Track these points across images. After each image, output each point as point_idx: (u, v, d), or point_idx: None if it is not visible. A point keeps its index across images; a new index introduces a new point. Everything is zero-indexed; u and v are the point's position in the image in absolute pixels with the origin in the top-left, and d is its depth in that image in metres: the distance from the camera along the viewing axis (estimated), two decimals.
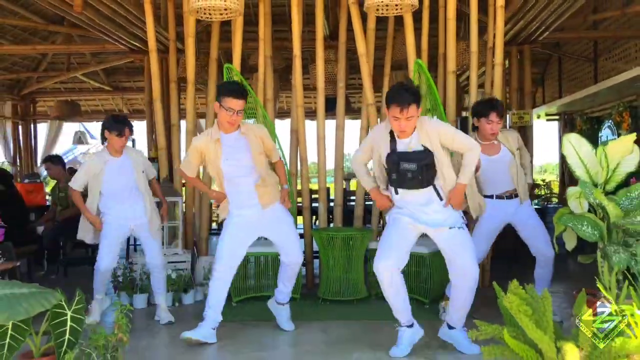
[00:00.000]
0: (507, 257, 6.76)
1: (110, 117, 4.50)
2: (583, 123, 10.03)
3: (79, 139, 13.29)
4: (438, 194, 3.44)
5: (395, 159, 3.34)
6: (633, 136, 3.48)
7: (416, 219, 3.46)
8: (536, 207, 8.32)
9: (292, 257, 4.05)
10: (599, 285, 2.66)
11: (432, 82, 4.79)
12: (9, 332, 2.69)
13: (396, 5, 4.72)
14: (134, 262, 5.03)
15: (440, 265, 4.73)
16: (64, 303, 2.79)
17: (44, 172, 12.08)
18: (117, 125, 4.33)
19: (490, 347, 2.49)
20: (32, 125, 12.62)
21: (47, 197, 8.55)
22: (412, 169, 3.28)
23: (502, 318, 2.67)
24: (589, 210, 3.50)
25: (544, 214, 8.03)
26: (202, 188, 4.56)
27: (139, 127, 15.02)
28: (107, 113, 13.86)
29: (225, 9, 4.75)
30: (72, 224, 6.47)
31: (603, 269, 2.86)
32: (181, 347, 3.81)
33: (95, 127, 17.42)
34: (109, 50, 8.87)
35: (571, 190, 3.48)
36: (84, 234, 4.49)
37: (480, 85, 6.19)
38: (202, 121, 6.56)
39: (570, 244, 3.76)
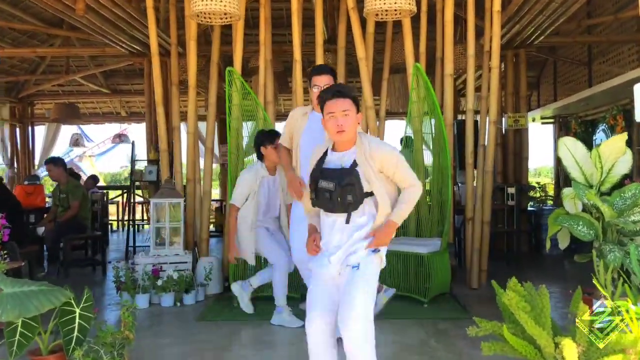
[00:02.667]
0: (502, 257, 6.87)
1: (260, 132, 4.58)
2: (578, 126, 10.13)
3: (76, 141, 13.33)
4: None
5: (317, 175, 2.73)
6: (624, 136, 3.57)
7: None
8: (531, 209, 8.43)
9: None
10: (595, 282, 2.73)
11: (430, 85, 4.88)
12: (19, 329, 2.75)
13: (395, 10, 4.80)
14: (135, 262, 5.09)
15: (439, 265, 4.82)
16: (72, 301, 2.85)
17: (42, 174, 12.13)
18: (270, 136, 4.39)
19: (490, 343, 2.56)
20: (29, 128, 12.64)
21: (47, 199, 8.58)
22: (329, 188, 2.64)
23: (499, 316, 2.74)
24: (583, 210, 3.58)
25: (539, 216, 8.14)
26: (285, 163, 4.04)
27: (138, 130, 15.17)
28: (105, 116, 13.94)
29: (225, 14, 4.83)
30: (73, 225, 6.57)
31: (598, 267, 2.93)
32: (185, 346, 3.86)
33: (92, 130, 17.46)
34: (109, 53, 8.93)
35: (566, 192, 3.57)
36: (245, 253, 4.43)
37: (477, 89, 6.29)
38: (202, 124, 6.59)
39: (564, 243, 3.84)
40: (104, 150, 22.57)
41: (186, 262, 5.14)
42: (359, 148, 2.71)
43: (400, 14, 4.93)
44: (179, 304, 4.91)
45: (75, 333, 2.85)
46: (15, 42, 9.48)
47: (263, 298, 4.82)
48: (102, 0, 6.00)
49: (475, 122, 8.57)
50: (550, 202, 10.55)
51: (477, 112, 8.48)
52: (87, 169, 26.74)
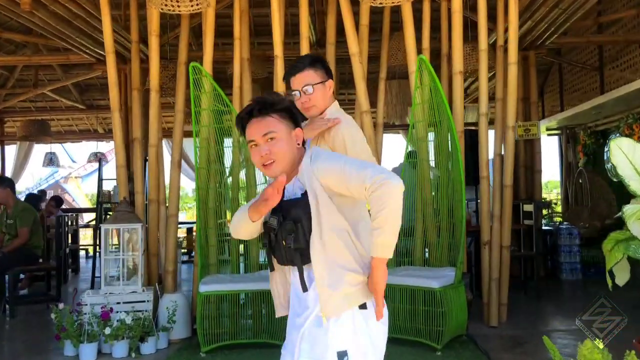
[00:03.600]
0: (518, 285, 5.96)
1: None
2: (587, 137, 9.42)
3: (50, 160, 12.42)
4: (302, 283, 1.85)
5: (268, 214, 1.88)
6: None
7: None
8: (547, 228, 7.58)
9: None
10: None
11: (437, 79, 4.04)
12: None
13: None
14: (82, 303, 4.16)
15: (454, 301, 3.93)
16: None
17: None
18: None
19: None
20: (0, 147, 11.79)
21: None
22: (273, 226, 1.84)
23: None
24: None
25: (555, 236, 7.29)
26: None
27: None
28: (82, 133, 13.07)
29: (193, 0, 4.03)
30: (21, 255, 5.65)
31: None
32: None
33: (75, 149, 16.59)
34: (74, 60, 8.11)
35: (630, 209, 2.70)
36: None
37: (491, 98, 5.42)
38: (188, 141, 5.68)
39: (623, 277, 2.96)
40: (91, 171, 21.75)
41: (144, 302, 4.22)
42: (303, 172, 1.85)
43: None
44: (134, 354, 3.97)
45: None
46: None
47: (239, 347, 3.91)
48: None
49: (475, 131, 7.82)
50: (558, 220, 9.74)
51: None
52: (73, 190, 25.89)
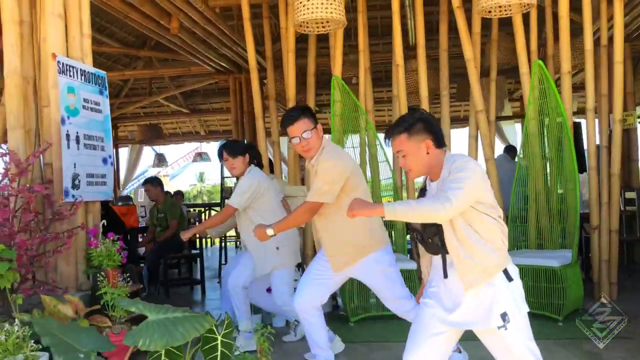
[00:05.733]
0: (622, 269, 6.25)
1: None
2: None
3: (159, 160, 13.57)
4: None
5: None
6: None
7: None
8: None
9: None
10: None
11: (552, 83, 4.51)
12: (163, 358, 2.60)
13: (500, 7, 4.50)
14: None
15: (572, 279, 4.41)
16: (214, 328, 2.68)
17: (125, 192, 12.39)
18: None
19: None
20: (114, 150, 12.98)
21: (140, 219, 8.68)
22: (418, 229, 2.44)
23: None
24: None
25: None
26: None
27: (214, 147, 15.31)
28: (185, 135, 14.16)
29: (328, 21, 4.67)
30: (171, 244, 6.55)
31: None
32: None
33: (170, 150, 17.83)
34: (194, 72, 9.01)
35: None
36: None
37: (580, 88, 5.76)
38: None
39: None
40: (178, 170, 23.15)
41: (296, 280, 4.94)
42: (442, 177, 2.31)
43: (510, 9, 4.62)
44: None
45: None
46: (102, 67, 9.70)
47: (383, 318, 4.56)
48: (195, 18, 6.01)
49: (579, 123, 8.07)
50: None
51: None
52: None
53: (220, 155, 4.23)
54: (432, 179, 2.38)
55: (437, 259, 2.39)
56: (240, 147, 4.17)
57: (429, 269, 2.54)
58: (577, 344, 3.85)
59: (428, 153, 2.31)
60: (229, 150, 4.09)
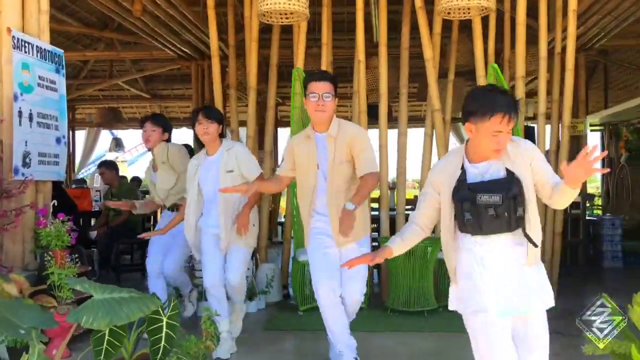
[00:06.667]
0: (564, 269, 6.51)
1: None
2: (630, 134, 9.79)
3: (117, 144, 13.34)
4: None
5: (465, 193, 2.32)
6: None
7: None
8: (590, 218, 8.09)
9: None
10: None
11: (506, 85, 4.67)
12: (106, 337, 2.60)
13: (460, 9, 4.64)
14: (196, 267, 4.94)
15: None
16: (160, 309, 2.69)
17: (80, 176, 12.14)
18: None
19: None
20: (70, 133, 12.68)
21: (94, 203, 8.53)
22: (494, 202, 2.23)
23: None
24: None
25: (598, 226, 7.76)
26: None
27: (176, 134, 15.12)
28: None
29: (292, 13, 4.70)
30: (125, 229, 6.48)
31: None
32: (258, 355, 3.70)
33: (128, 135, 17.58)
34: (156, 56, 8.89)
35: None
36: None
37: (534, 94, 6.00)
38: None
39: None
40: (136, 156, 22.74)
41: (249, 269, 4.97)
42: (511, 157, 2.30)
43: (469, 12, 4.76)
44: None
45: (162, 343, 2.69)
46: (61, 47, 9.46)
47: None
48: (159, 1, 5.94)
49: (532, 127, 8.34)
50: (597, 212, 10.20)
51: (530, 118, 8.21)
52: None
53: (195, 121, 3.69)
54: (475, 161, 2.34)
55: (475, 247, 2.29)
56: (219, 113, 3.83)
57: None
58: None
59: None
60: (207, 113, 3.67)
